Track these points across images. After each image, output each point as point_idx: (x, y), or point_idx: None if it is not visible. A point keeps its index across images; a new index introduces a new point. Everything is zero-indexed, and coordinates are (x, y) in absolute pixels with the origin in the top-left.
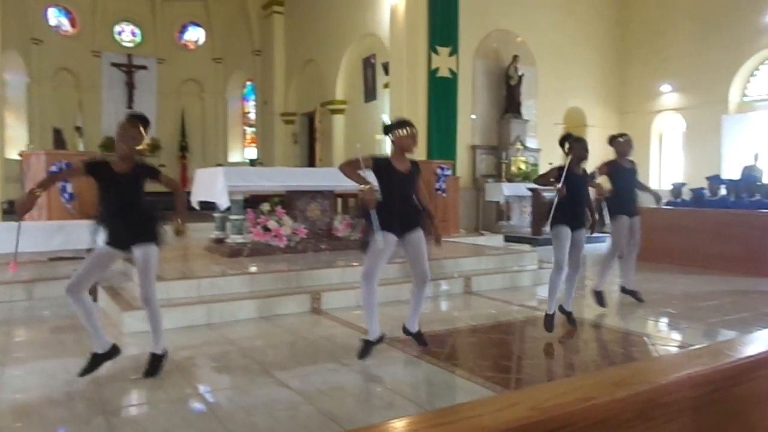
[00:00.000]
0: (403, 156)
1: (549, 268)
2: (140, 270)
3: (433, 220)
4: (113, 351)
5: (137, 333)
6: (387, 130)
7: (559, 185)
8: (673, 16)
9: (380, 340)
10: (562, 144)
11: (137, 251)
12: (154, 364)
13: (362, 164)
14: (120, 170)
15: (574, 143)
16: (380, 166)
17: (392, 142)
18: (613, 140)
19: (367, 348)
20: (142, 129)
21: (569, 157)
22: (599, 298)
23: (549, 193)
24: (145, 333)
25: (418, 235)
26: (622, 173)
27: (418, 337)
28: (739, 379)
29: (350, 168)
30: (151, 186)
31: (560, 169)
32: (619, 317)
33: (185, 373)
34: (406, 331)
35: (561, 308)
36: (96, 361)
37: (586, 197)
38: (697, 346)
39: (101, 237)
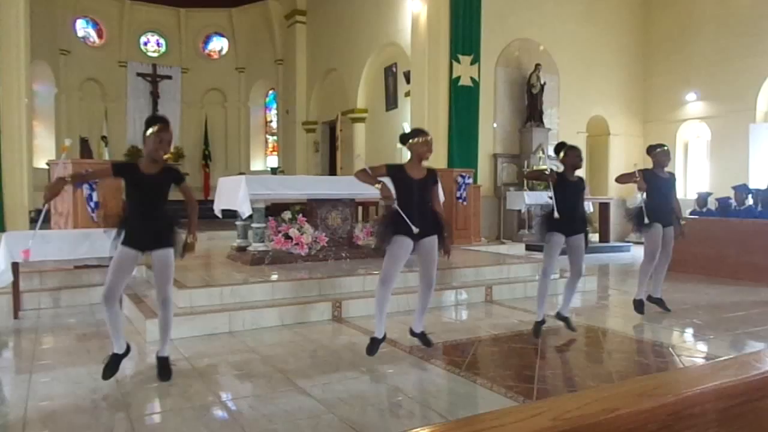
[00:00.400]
0: (419, 164)
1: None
2: (159, 272)
3: (444, 230)
4: (128, 350)
5: None
6: (403, 139)
7: (550, 178)
8: (698, 23)
9: (384, 338)
10: (557, 152)
11: (156, 254)
12: (167, 366)
13: (371, 173)
14: (148, 172)
15: (568, 151)
16: (395, 173)
17: (409, 150)
18: (650, 150)
19: (374, 345)
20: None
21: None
22: (638, 306)
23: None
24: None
25: (432, 241)
26: (658, 183)
27: (423, 338)
28: (767, 392)
29: (362, 173)
30: (172, 195)
31: (555, 173)
32: (645, 327)
33: (208, 381)
34: (411, 332)
35: (558, 314)
36: (116, 360)
37: (580, 204)
38: (723, 358)
39: (119, 240)
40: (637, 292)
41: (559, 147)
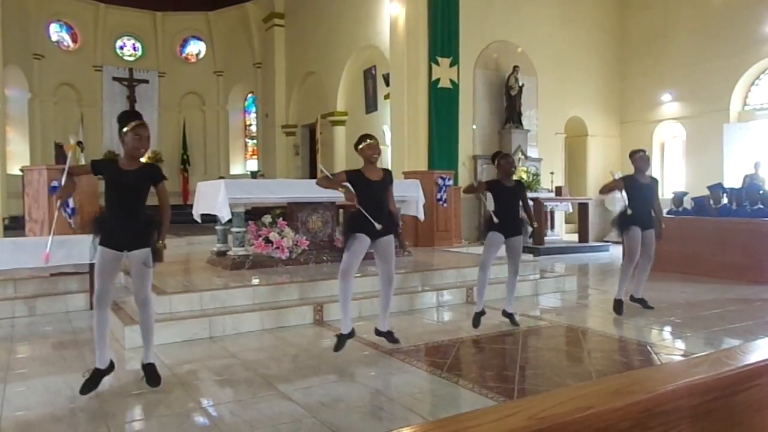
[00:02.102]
0: (372, 165)
1: (551, 277)
2: (137, 273)
3: (399, 228)
4: (111, 367)
5: (139, 348)
6: (355, 146)
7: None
8: (673, 25)
9: (352, 334)
10: (492, 160)
11: (134, 255)
12: (154, 372)
13: (332, 179)
14: (128, 169)
15: (501, 159)
16: (353, 177)
17: (360, 155)
18: (631, 156)
19: (341, 342)
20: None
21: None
22: (618, 306)
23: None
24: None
25: (389, 239)
26: (638, 187)
27: (389, 336)
28: (738, 388)
29: (325, 180)
30: (150, 200)
31: (488, 182)
32: (624, 326)
33: (188, 387)
34: (377, 331)
35: (504, 311)
36: (98, 376)
37: (518, 207)
38: (697, 355)
39: (97, 241)
40: (618, 292)
41: (494, 156)
